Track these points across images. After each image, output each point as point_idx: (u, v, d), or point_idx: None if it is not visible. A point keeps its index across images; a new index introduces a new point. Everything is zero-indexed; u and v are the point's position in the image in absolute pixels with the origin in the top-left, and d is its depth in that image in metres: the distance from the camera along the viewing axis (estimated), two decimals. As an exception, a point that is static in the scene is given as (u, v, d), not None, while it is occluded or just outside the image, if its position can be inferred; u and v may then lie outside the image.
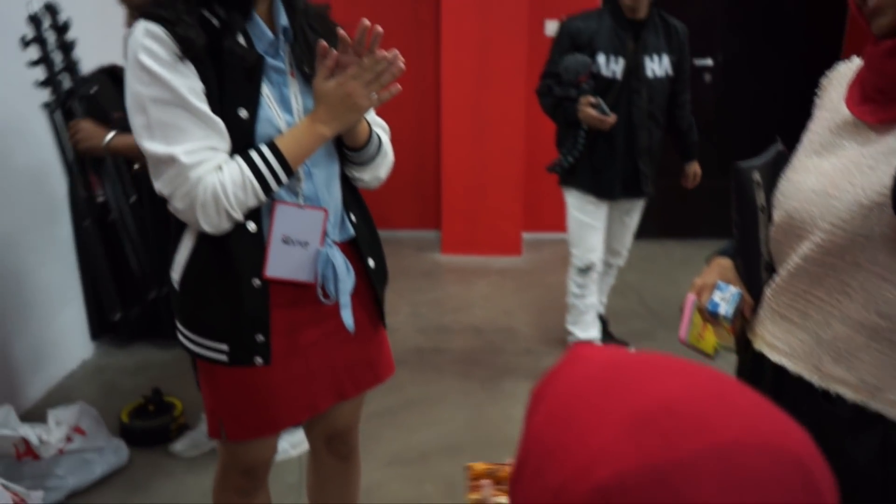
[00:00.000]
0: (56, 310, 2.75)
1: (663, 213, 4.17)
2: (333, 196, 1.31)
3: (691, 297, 1.18)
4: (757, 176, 1.09)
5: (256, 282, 1.23)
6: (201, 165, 1.12)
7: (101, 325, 2.99)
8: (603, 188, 2.67)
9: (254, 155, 1.16)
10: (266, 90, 1.20)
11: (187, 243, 1.25)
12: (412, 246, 4.53)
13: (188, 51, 1.11)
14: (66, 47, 2.16)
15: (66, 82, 2.17)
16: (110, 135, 2.06)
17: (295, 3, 1.24)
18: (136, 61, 1.11)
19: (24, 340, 2.56)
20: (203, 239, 1.22)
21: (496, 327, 3.37)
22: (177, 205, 1.15)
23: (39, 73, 2.14)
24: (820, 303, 0.97)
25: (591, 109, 2.48)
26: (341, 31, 1.15)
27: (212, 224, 1.16)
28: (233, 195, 1.14)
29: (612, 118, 2.48)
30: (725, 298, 1.10)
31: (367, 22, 1.13)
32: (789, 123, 4.86)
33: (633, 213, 2.86)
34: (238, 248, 1.21)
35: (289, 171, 1.18)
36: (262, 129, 1.19)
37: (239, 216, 1.17)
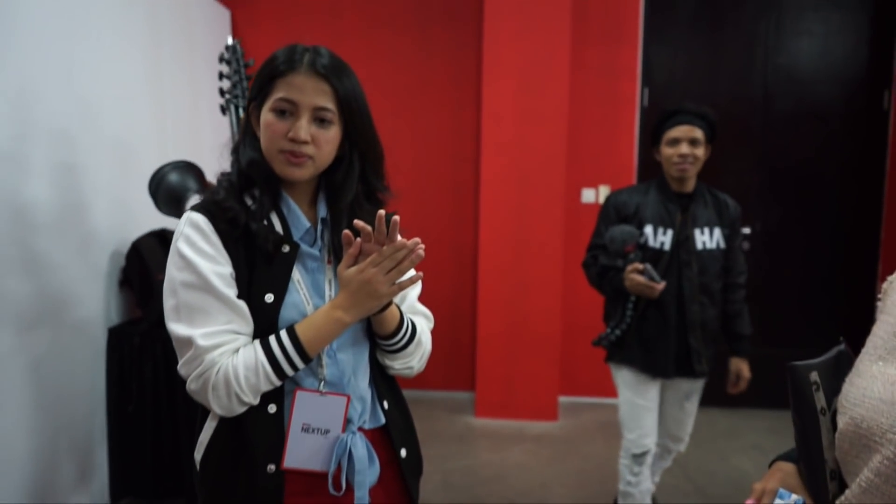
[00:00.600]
0: (78, 469, 2.69)
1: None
2: (360, 382, 1.29)
3: None
4: (815, 376, 1.02)
5: (271, 468, 1.19)
6: (218, 349, 1.14)
7: (123, 487, 2.90)
8: (655, 365, 2.50)
9: (271, 339, 1.16)
10: (298, 276, 1.22)
11: (211, 424, 1.24)
12: (445, 408, 4.41)
13: (225, 237, 1.16)
14: (244, 77, 2.72)
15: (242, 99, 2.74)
16: None
17: (340, 194, 1.26)
18: (175, 248, 1.17)
19: None
20: (224, 420, 1.20)
21: (532, 501, 3.18)
22: (191, 386, 1.16)
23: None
24: None
25: (638, 276, 2.38)
26: (358, 221, 1.16)
27: (222, 406, 1.15)
28: (244, 378, 1.14)
29: (661, 284, 2.38)
30: None
31: (382, 212, 1.15)
32: (828, 289, 4.77)
33: (693, 396, 2.63)
34: (255, 430, 1.19)
35: (305, 356, 1.17)
36: (286, 313, 1.19)
37: (250, 400, 1.16)
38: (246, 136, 1.25)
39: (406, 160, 4.43)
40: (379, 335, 1.28)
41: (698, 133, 2.43)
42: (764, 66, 4.34)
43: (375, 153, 1.28)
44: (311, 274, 1.24)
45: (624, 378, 2.58)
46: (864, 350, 1.00)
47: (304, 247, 1.23)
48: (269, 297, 1.18)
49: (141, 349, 2.77)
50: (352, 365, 1.27)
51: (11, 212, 2.31)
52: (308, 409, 1.20)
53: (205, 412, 1.26)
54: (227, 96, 2.70)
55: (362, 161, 1.27)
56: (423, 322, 1.36)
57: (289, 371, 1.17)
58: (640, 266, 2.40)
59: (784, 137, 4.37)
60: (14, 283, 2.32)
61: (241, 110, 2.68)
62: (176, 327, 1.15)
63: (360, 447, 1.25)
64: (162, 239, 2.95)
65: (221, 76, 2.74)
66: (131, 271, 2.84)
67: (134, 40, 3.10)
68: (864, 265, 4.38)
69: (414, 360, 1.33)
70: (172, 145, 3.40)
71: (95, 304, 2.79)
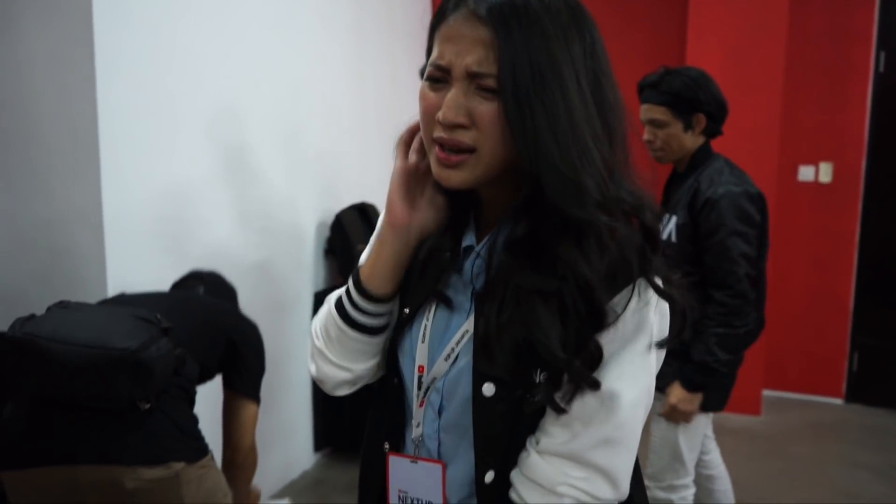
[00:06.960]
0: (286, 420, 2.97)
1: None
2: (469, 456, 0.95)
3: None
4: None
5: (386, 446, 1.04)
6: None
7: (324, 439, 3.17)
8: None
9: (338, 291, 1.04)
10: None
11: None
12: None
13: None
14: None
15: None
16: None
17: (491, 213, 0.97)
18: None
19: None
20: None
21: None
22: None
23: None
24: None
25: None
26: None
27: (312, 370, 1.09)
28: (321, 325, 1.04)
29: None
30: None
31: None
32: None
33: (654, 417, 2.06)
34: (380, 403, 1.09)
35: (362, 290, 0.97)
36: (415, 329, 0.99)
37: (321, 344, 1.03)
38: None
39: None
40: None
41: (657, 112, 2.02)
42: None
43: (561, 154, 0.80)
44: (452, 289, 0.97)
45: None
46: None
47: (467, 264, 0.95)
48: (406, 310, 0.99)
49: (342, 314, 2.98)
50: (456, 438, 0.97)
51: (238, 181, 2.59)
52: (401, 475, 1.01)
53: None
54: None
55: (533, 164, 0.81)
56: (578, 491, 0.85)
57: (350, 308, 0.98)
58: None
59: None
60: (241, 250, 2.61)
61: None
62: None
63: None
64: (362, 212, 3.14)
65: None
66: (335, 241, 3.06)
67: (339, 25, 3.28)
68: None
69: None
70: (374, 125, 3.58)
71: (305, 270, 3.05)
